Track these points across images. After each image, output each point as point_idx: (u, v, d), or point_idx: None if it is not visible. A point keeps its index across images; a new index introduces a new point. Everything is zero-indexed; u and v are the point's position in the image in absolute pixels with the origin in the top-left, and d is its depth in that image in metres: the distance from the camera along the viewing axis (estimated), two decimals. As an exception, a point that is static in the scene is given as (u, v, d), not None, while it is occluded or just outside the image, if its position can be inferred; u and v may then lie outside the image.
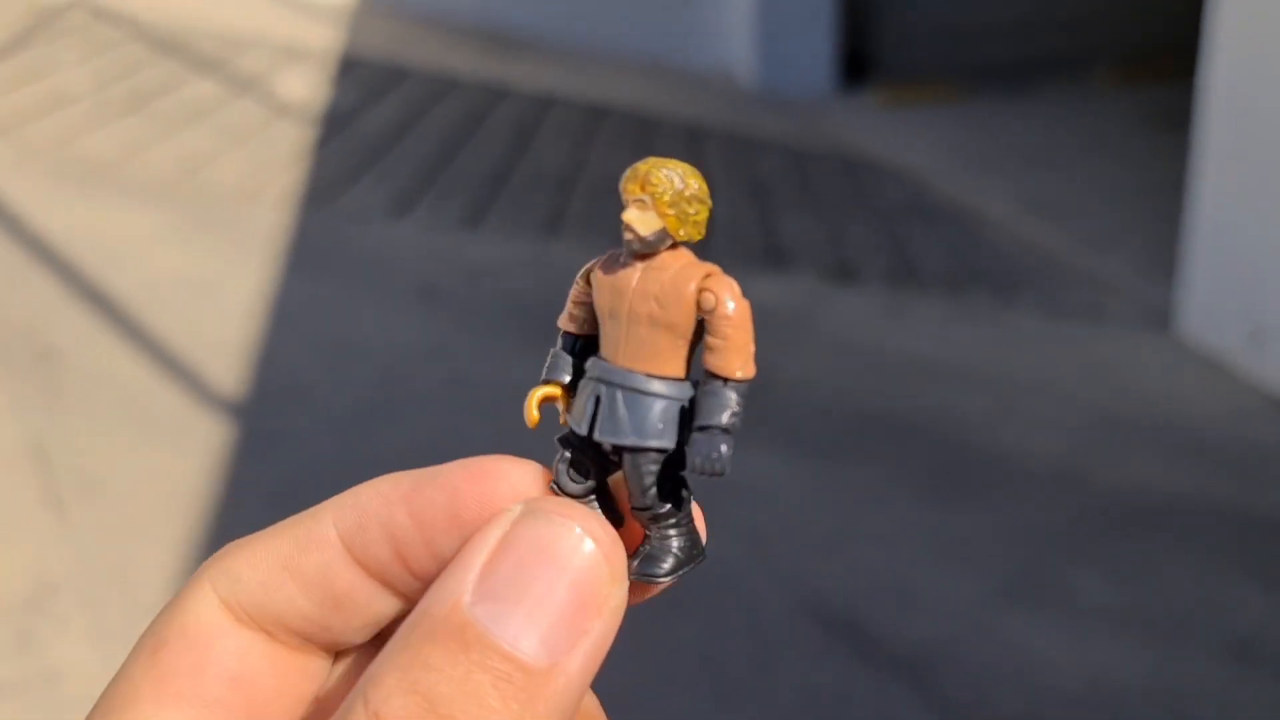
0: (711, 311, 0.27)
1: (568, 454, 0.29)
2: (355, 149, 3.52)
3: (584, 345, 0.30)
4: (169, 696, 0.27)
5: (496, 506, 0.27)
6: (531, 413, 0.29)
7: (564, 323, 0.30)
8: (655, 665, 1.64)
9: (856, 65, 4.67)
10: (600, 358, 0.29)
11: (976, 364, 2.65)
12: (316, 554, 0.28)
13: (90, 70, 3.75)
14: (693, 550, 0.29)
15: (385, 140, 3.61)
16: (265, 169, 3.29)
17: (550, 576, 0.25)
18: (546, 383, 0.30)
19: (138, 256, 2.72)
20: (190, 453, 2.05)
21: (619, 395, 0.28)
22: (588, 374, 0.29)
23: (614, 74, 4.61)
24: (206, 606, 0.28)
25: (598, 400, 0.28)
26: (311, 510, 0.29)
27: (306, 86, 3.93)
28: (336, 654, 0.30)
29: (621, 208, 0.28)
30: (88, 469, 1.99)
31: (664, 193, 0.28)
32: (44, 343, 2.33)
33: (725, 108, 4.39)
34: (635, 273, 0.28)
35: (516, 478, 0.28)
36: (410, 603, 0.29)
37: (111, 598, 1.73)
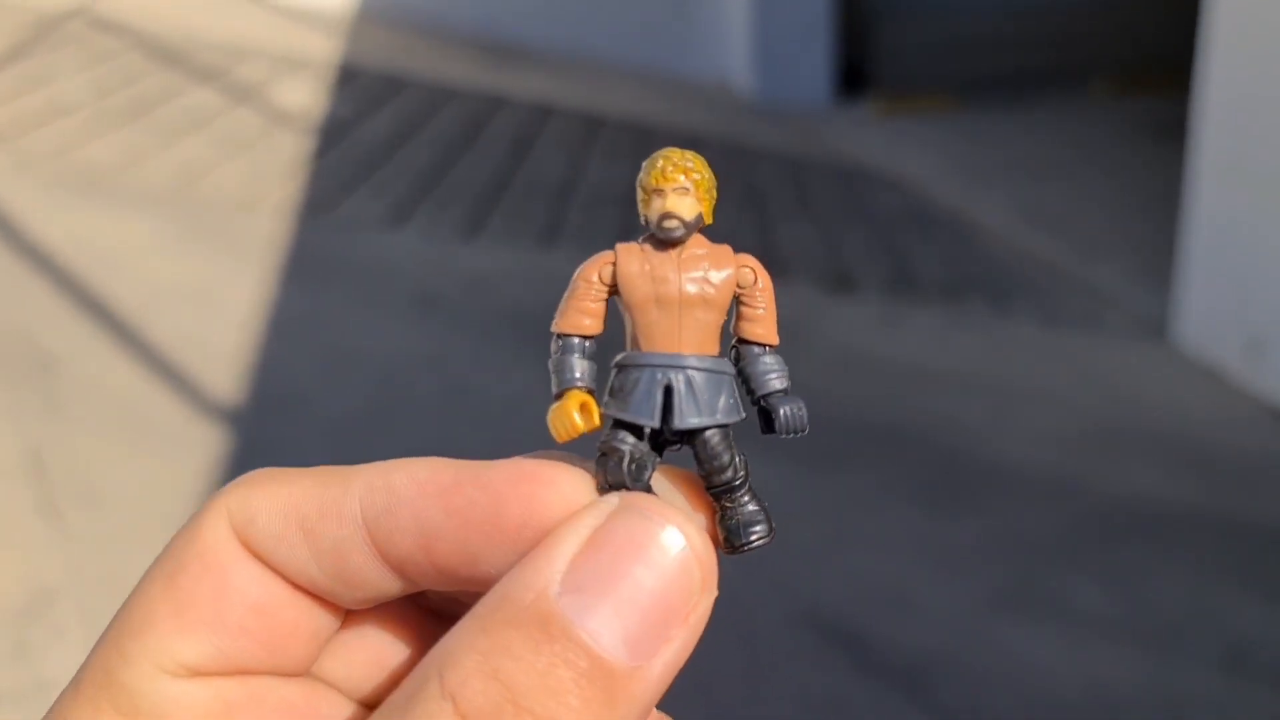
0: (751, 285, 0.29)
1: (627, 452, 0.28)
2: (353, 158, 3.53)
3: (588, 346, 0.30)
4: (190, 622, 0.27)
5: (545, 517, 0.26)
6: (575, 425, 0.28)
7: (575, 324, 0.30)
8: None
9: (853, 76, 4.69)
10: (642, 350, 0.29)
11: (973, 373, 2.65)
12: (336, 527, 0.27)
13: (90, 79, 3.76)
14: (765, 504, 0.29)
15: (383, 150, 3.62)
16: (264, 178, 3.29)
17: (641, 576, 0.24)
18: (569, 390, 0.29)
19: (136, 265, 2.73)
20: (188, 461, 2.06)
21: (695, 379, 0.28)
22: (637, 365, 0.29)
23: (612, 84, 4.62)
24: (223, 535, 0.28)
25: (668, 389, 0.28)
26: (342, 474, 0.28)
27: (305, 96, 3.94)
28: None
29: (648, 202, 0.29)
30: (85, 478, 1.99)
31: (704, 179, 0.29)
32: (42, 351, 2.34)
33: (722, 118, 4.40)
34: (674, 260, 0.29)
35: (567, 486, 0.27)
36: (417, 588, 0.28)
37: (108, 607, 1.73)
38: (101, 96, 3.66)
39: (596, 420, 0.29)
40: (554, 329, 0.30)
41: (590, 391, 0.29)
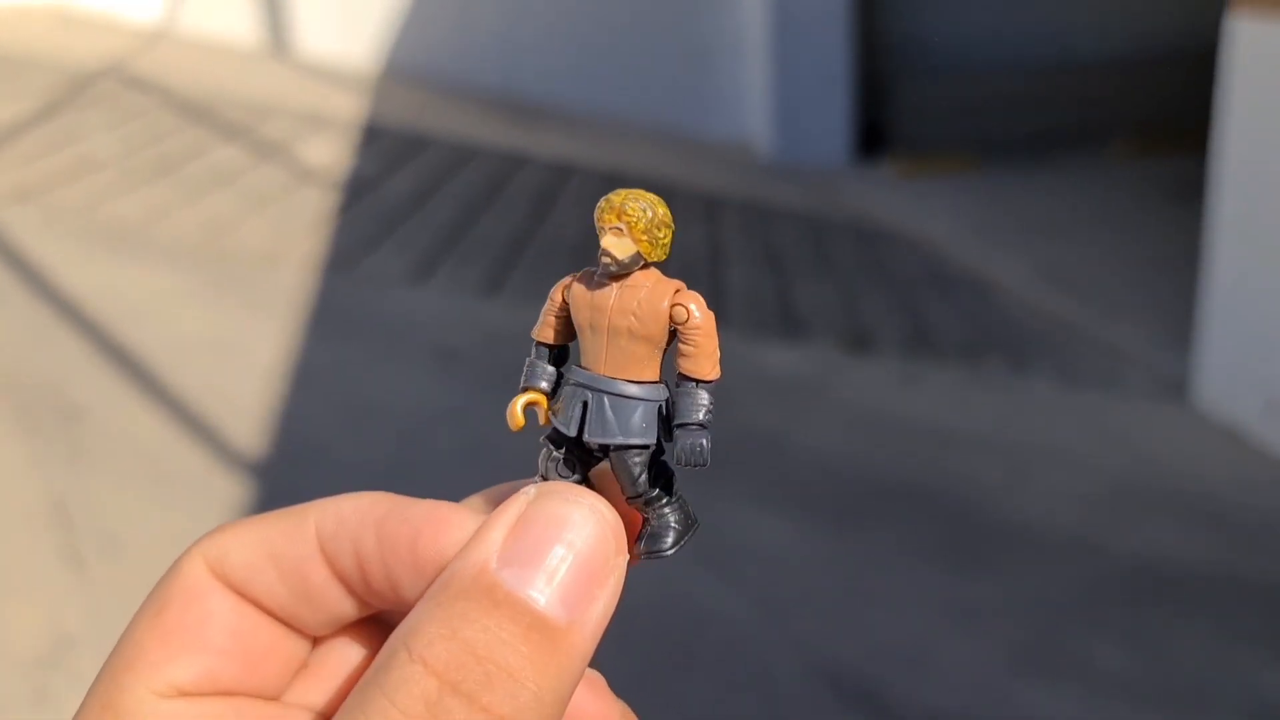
0: (684, 323, 0.31)
1: (556, 452, 0.32)
2: (376, 215, 3.57)
3: (559, 353, 0.34)
4: (175, 648, 0.31)
5: (445, 552, 0.30)
6: (517, 418, 0.33)
7: (541, 334, 0.34)
8: (669, 729, 1.63)
9: (873, 136, 4.72)
10: (581, 367, 0.32)
11: (992, 432, 2.65)
12: (298, 548, 0.31)
13: (119, 136, 3.83)
14: (688, 521, 0.32)
15: (406, 207, 3.66)
16: (288, 233, 3.33)
17: (563, 546, 0.29)
18: (526, 389, 0.33)
19: (162, 317, 2.76)
20: (209, 512, 2.07)
21: (605, 400, 0.32)
22: (570, 381, 0.32)
23: (632, 144, 4.67)
24: (200, 572, 0.32)
25: (585, 405, 0.32)
26: (300, 507, 0.32)
27: (329, 153, 3.99)
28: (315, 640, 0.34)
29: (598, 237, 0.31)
30: (108, 527, 2.00)
31: (638, 221, 0.31)
32: (68, 401, 2.36)
33: (742, 178, 4.44)
34: (612, 291, 0.32)
35: (469, 528, 0.31)
36: (367, 609, 0.33)
37: (128, 655, 1.73)
38: (130, 153, 3.72)
39: (544, 418, 0.33)
40: (531, 334, 0.34)
41: (546, 393, 0.33)
